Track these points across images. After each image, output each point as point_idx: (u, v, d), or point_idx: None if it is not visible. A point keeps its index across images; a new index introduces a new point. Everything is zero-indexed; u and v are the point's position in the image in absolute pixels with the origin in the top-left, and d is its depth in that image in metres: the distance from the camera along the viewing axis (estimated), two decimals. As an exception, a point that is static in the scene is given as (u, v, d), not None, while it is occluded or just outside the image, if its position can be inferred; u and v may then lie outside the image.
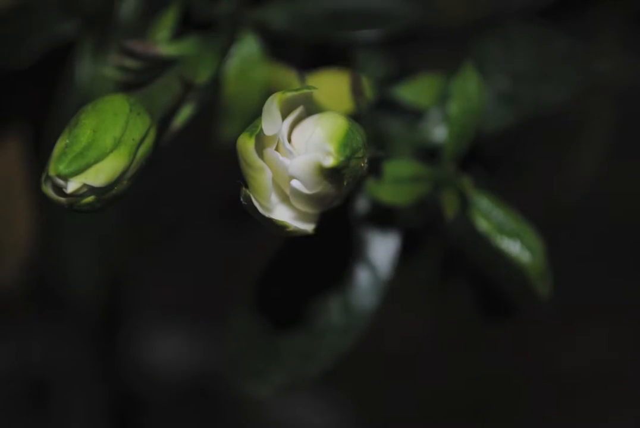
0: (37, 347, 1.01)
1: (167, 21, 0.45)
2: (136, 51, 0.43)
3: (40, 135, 0.52)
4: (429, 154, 0.45)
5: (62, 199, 0.35)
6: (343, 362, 0.46)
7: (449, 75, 0.44)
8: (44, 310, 0.96)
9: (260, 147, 0.35)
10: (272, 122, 0.34)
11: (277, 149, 0.34)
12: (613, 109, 0.78)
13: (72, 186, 0.35)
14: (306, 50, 0.50)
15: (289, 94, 0.34)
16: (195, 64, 0.42)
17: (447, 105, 0.42)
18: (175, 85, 0.41)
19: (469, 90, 0.42)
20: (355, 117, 0.41)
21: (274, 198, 0.35)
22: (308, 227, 0.35)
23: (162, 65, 0.43)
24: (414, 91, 0.46)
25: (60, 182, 0.35)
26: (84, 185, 0.35)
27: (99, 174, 0.35)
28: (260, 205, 0.35)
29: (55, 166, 0.34)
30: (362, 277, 0.46)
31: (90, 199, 0.35)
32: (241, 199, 0.34)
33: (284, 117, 0.34)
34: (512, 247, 0.42)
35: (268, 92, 0.37)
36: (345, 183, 0.34)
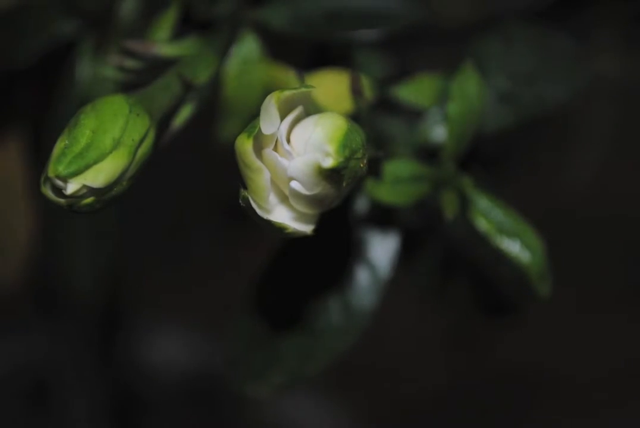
0: (37, 347, 1.01)
1: (167, 21, 0.45)
2: (136, 51, 0.43)
3: (40, 135, 0.51)
4: (428, 154, 0.45)
5: (62, 200, 0.35)
6: (342, 362, 0.46)
7: (449, 75, 0.44)
8: (44, 310, 0.96)
9: (258, 148, 0.35)
10: (269, 121, 0.33)
11: (276, 150, 0.34)
12: (613, 108, 0.78)
13: (71, 187, 0.35)
14: (306, 50, 0.50)
15: (287, 93, 0.34)
16: (194, 64, 0.42)
17: (447, 105, 0.42)
18: (175, 85, 0.41)
19: (468, 90, 0.42)
20: (354, 117, 0.41)
21: (273, 199, 0.35)
22: (307, 228, 0.35)
23: (161, 65, 0.43)
24: (414, 91, 0.46)
25: (60, 183, 0.35)
26: (84, 186, 0.35)
27: (99, 175, 0.35)
28: (259, 206, 0.35)
29: (55, 167, 0.34)
30: (362, 277, 0.46)
31: (89, 199, 0.35)
32: (240, 201, 0.34)
33: (283, 117, 0.34)
34: (512, 247, 0.42)
35: (267, 92, 0.37)
36: (344, 184, 0.34)
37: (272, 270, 0.46)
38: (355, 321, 0.45)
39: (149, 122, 0.37)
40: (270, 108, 0.33)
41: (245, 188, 0.35)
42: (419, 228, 0.50)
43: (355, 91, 0.42)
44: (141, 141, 0.37)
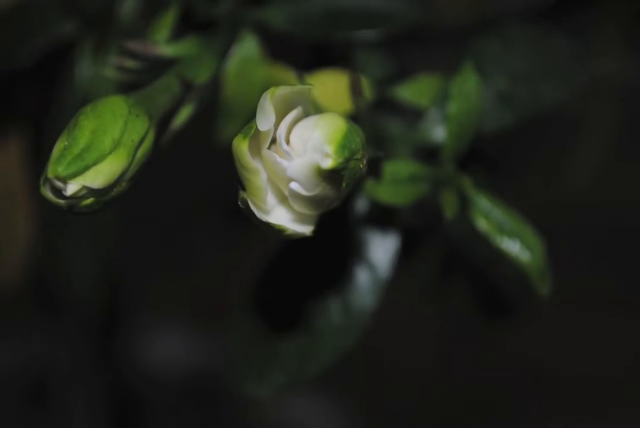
0: (37, 346, 1.01)
1: (167, 21, 0.45)
2: (136, 51, 0.43)
3: (40, 136, 0.51)
4: (428, 154, 0.45)
5: (61, 201, 0.35)
6: (343, 362, 0.46)
7: (449, 75, 0.44)
8: (44, 310, 0.96)
9: (256, 148, 0.35)
10: (265, 117, 0.33)
11: (275, 150, 0.34)
12: (613, 109, 0.78)
13: (71, 188, 0.35)
14: (306, 51, 0.50)
15: (283, 89, 0.34)
16: (194, 65, 0.42)
17: (447, 105, 0.42)
18: (175, 85, 0.41)
19: (468, 90, 0.42)
20: (354, 117, 0.41)
21: (272, 199, 0.35)
22: (306, 230, 0.35)
23: (161, 65, 0.43)
24: (414, 91, 0.46)
25: (59, 184, 0.35)
26: (83, 187, 0.35)
27: (98, 176, 0.35)
28: (257, 207, 0.35)
29: (54, 168, 0.34)
30: (362, 277, 0.46)
31: (89, 201, 0.35)
32: (239, 203, 0.34)
33: (281, 117, 0.34)
34: (512, 247, 0.42)
35: (267, 93, 0.37)
36: (344, 184, 0.34)
37: (272, 270, 0.46)
38: (355, 321, 0.45)
39: (148, 123, 0.37)
40: (265, 104, 0.33)
41: (244, 189, 0.35)
42: (419, 229, 0.50)
43: (355, 91, 0.42)
44: (140, 142, 0.37)
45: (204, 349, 1.10)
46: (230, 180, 0.36)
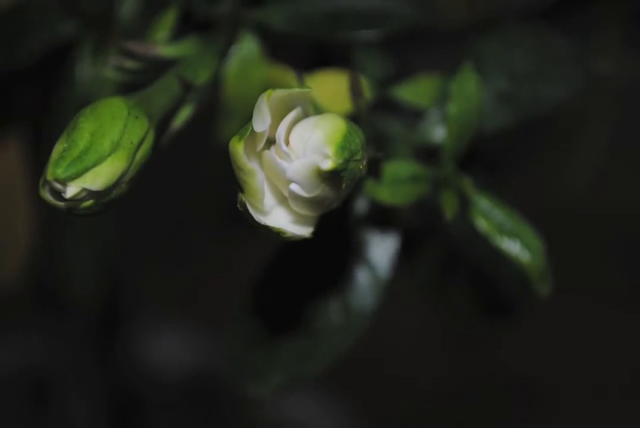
0: (37, 347, 1.01)
1: (167, 22, 0.45)
2: (136, 52, 0.43)
3: (40, 136, 0.51)
4: (428, 154, 0.45)
5: (61, 204, 0.35)
6: (342, 362, 0.46)
7: (448, 75, 0.44)
8: (44, 310, 0.96)
9: (253, 150, 0.35)
10: (260, 119, 0.33)
11: (275, 152, 0.34)
12: (613, 109, 0.78)
13: (70, 191, 0.35)
14: (305, 51, 0.50)
15: (279, 92, 0.34)
16: (194, 65, 0.42)
17: (446, 106, 0.42)
18: (175, 86, 0.41)
19: (467, 90, 0.42)
20: (354, 117, 0.41)
21: (271, 200, 0.35)
22: (306, 231, 0.35)
23: (161, 66, 0.43)
24: (413, 91, 0.46)
25: (59, 186, 0.35)
26: (83, 189, 0.35)
27: (97, 178, 0.35)
28: (255, 208, 0.35)
29: (53, 170, 0.34)
30: (362, 278, 0.46)
31: (88, 203, 0.35)
32: (237, 205, 0.34)
33: (281, 118, 0.34)
34: (512, 247, 0.42)
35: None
36: (344, 185, 0.34)
37: (272, 270, 0.46)
38: (355, 321, 0.45)
39: (147, 124, 0.37)
40: (261, 106, 0.33)
41: (242, 191, 0.35)
42: (419, 229, 0.50)
43: (355, 92, 0.42)
44: (140, 144, 0.37)
45: (204, 349, 1.10)
46: (230, 180, 0.36)
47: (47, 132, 0.49)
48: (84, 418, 1.00)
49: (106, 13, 0.48)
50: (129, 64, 0.43)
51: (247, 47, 0.44)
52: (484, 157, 0.50)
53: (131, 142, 0.36)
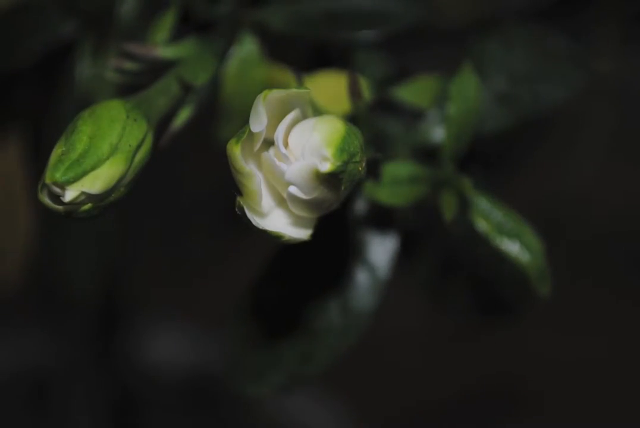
0: (37, 347, 1.01)
1: (166, 23, 0.45)
2: (135, 53, 0.43)
3: (40, 135, 0.51)
4: (427, 154, 0.45)
5: (60, 207, 0.35)
6: (342, 362, 0.46)
7: (448, 75, 0.44)
8: (44, 310, 0.96)
9: (251, 151, 0.34)
10: (257, 119, 0.33)
11: (274, 153, 0.34)
12: (613, 109, 0.78)
13: (69, 194, 0.35)
14: (305, 51, 0.50)
15: (276, 93, 0.33)
16: (194, 66, 0.42)
17: (446, 106, 0.42)
18: (174, 87, 0.41)
19: (467, 91, 0.42)
20: (353, 118, 0.41)
21: (269, 202, 0.35)
22: (304, 234, 0.35)
23: (161, 67, 0.43)
24: (413, 92, 0.46)
25: (57, 190, 0.35)
26: (82, 192, 0.35)
27: (96, 181, 0.35)
28: (254, 210, 0.34)
29: (52, 174, 0.34)
30: (361, 278, 0.46)
31: (87, 206, 0.35)
32: (236, 209, 0.34)
33: (279, 119, 0.34)
34: (512, 247, 0.42)
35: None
36: (343, 187, 0.34)
37: (272, 271, 0.46)
38: (354, 322, 0.45)
39: (146, 127, 0.37)
40: (258, 106, 0.33)
41: (240, 194, 0.34)
42: (418, 229, 0.50)
43: (354, 92, 0.42)
44: (138, 147, 0.37)
45: (204, 349, 1.10)
46: (230, 181, 0.36)
47: (47, 133, 0.49)
48: (84, 418, 1.00)
49: (106, 13, 0.48)
50: (129, 65, 0.43)
51: (246, 48, 0.44)
52: (484, 158, 0.50)
53: (130, 145, 0.36)
